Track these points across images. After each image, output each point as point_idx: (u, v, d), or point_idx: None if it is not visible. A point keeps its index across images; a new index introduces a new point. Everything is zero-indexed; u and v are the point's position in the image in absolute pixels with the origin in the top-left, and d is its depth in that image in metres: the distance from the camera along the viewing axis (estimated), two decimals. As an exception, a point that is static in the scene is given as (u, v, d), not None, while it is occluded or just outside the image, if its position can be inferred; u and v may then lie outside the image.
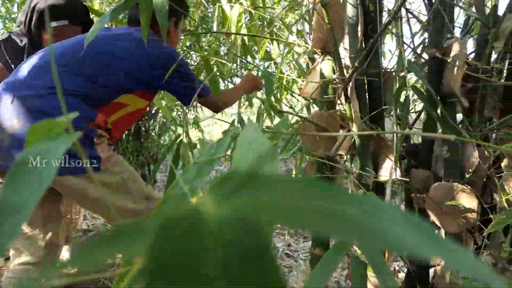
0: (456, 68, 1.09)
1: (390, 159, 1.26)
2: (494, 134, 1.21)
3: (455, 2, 1.19)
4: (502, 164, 1.23)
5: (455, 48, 1.13)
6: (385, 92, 1.48)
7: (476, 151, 1.20)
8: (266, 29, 1.87)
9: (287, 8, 1.80)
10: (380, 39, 1.24)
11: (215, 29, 1.80)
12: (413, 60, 1.51)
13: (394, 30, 1.66)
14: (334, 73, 1.29)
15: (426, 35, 1.37)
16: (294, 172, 1.60)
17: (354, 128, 1.28)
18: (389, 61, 1.47)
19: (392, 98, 1.19)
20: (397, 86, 1.22)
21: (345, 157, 1.38)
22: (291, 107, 1.86)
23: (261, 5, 1.79)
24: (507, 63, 1.11)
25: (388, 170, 1.27)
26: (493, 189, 1.25)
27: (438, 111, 1.25)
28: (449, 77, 1.14)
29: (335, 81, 1.22)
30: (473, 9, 1.26)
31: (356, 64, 1.12)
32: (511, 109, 1.25)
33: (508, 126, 1.18)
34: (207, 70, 1.44)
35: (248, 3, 1.72)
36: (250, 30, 1.80)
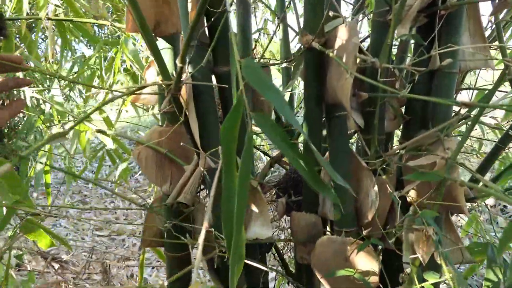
0: (342, 69, 0.69)
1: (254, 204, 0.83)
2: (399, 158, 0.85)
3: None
4: (409, 199, 0.88)
5: (342, 35, 0.72)
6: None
7: (375, 186, 0.83)
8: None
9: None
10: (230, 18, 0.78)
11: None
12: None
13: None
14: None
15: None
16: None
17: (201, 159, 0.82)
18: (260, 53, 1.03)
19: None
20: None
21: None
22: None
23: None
24: (411, 61, 0.73)
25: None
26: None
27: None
28: (334, 82, 0.73)
29: (163, 86, 0.74)
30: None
31: (184, 59, 0.64)
32: (418, 120, 0.90)
33: (415, 149, 0.82)
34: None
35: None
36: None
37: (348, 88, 0.67)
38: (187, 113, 0.76)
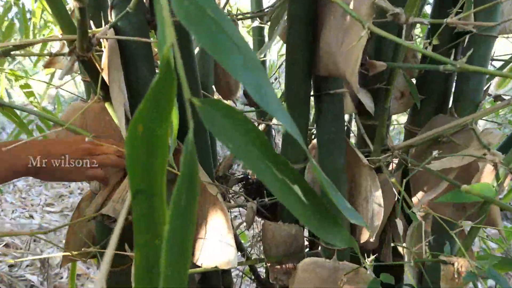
0: (347, 24, 0.44)
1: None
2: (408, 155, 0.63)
3: None
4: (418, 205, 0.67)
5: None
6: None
7: (379, 190, 0.62)
8: None
9: None
10: None
11: None
12: None
13: None
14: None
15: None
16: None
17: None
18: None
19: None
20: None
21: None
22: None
23: None
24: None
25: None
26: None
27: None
28: (333, 44, 0.49)
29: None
30: None
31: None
32: (433, 101, 0.67)
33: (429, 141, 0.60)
34: None
35: None
36: None
37: (358, 53, 0.43)
38: (109, 75, 0.50)
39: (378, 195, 0.62)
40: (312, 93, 0.59)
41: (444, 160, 0.52)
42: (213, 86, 0.91)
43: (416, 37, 0.78)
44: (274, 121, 0.92)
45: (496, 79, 0.82)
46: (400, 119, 1.75)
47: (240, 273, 1.10)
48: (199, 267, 0.59)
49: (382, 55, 0.58)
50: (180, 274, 0.20)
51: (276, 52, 1.48)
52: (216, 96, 0.93)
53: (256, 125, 0.93)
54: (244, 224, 0.73)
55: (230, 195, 0.86)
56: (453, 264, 0.47)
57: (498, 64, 0.82)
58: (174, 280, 0.20)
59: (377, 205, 0.61)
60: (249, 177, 0.85)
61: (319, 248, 0.73)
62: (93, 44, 0.42)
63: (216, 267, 0.56)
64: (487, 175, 0.48)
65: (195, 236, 0.62)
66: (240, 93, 0.98)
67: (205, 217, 0.59)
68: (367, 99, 0.55)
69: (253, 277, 1.05)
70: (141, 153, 0.21)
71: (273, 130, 1.11)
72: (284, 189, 0.26)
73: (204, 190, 0.57)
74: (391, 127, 1.12)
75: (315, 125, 0.62)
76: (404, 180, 0.49)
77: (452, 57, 0.64)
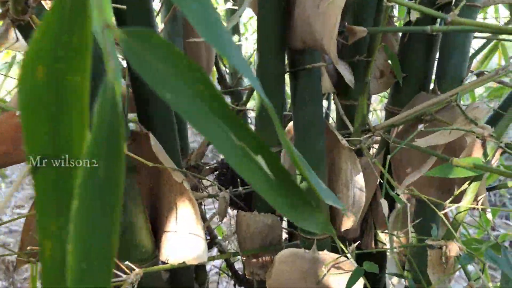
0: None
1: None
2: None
3: None
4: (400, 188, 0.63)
5: None
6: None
7: (360, 173, 0.57)
8: None
9: None
10: None
11: None
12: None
13: None
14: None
15: None
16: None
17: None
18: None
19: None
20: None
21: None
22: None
23: None
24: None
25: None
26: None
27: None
28: (308, 9, 0.44)
29: None
30: None
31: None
32: (415, 79, 0.64)
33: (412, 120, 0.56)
34: None
35: None
36: None
37: (336, 16, 0.38)
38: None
39: (359, 179, 0.57)
40: (287, 69, 0.54)
41: (429, 137, 0.48)
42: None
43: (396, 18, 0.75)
44: (250, 105, 0.87)
45: (478, 57, 0.80)
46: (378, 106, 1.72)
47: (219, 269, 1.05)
48: (167, 264, 0.54)
49: (362, 24, 0.54)
50: (99, 269, 0.15)
51: (252, 44, 1.42)
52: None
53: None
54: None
55: (203, 186, 0.81)
56: (440, 248, 0.43)
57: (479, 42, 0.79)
58: (90, 277, 0.15)
59: (358, 190, 0.57)
60: (224, 165, 0.79)
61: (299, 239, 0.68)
62: (30, 6, 0.36)
63: (184, 263, 0.51)
64: (476, 151, 0.44)
65: (161, 229, 0.56)
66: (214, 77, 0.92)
67: (171, 208, 0.53)
68: (346, 72, 0.51)
69: (230, 273, 1.00)
70: (43, 107, 0.15)
71: (249, 119, 1.06)
72: (244, 159, 0.21)
73: (169, 178, 0.52)
74: (370, 115, 1.09)
75: (291, 105, 0.57)
76: (388, 157, 0.45)
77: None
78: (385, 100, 0.93)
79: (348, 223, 0.56)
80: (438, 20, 0.52)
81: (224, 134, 0.20)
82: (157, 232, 0.57)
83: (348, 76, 0.51)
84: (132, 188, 0.52)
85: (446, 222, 0.41)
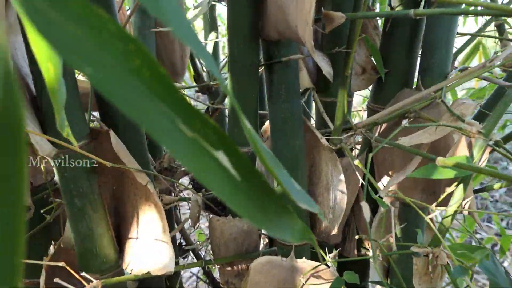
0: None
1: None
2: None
3: None
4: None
5: None
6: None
7: (341, 174, 0.54)
8: None
9: None
10: None
11: None
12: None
13: None
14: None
15: None
16: None
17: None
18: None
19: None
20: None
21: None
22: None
23: None
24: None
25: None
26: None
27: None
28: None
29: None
30: None
31: None
32: (398, 74, 0.60)
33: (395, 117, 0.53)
34: None
35: None
36: None
37: (310, 2, 0.34)
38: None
39: (340, 181, 0.54)
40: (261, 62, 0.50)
41: (413, 136, 0.45)
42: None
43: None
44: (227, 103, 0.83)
45: (462, 54, 0.77)
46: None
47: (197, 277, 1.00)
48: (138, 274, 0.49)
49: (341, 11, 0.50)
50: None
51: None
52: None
53: (207, 110, 0.83)
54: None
55: (178, 190, 0.76)
56: (427, 256, 0.40)
57: (461, 40, 0.77)
58: None
59: (339, 192, 0.53)
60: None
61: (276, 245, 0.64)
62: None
63: (148, 273, 0.46)
64: (463, 150, 0.41)
65: (125, 236, 0.51)
66: (187, 75, 0.87)
67: (136, 213, 0.48)
68: (324, 63, 0.47)
69: (207, 281, 0.95)
70: None
71: (226, 119, 1.01)
72: (198, 155, 0.16)
73: (134, 180, 0.47)
74: (353, 116, 1.06)
75: (267, 102, 0.53)
76: (370, 155, 0.41)
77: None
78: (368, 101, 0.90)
79: (334, 225, 0.52)
80: (422, 3, 0.49)
81: (170, 122, 0.16)
82: (121, 239, 0.52)
83: (326, 68, 0.47)
84: (91, 191, 0.47)
85: (433, 227, 0.38)
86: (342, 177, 0.54)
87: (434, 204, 0.39)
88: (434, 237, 0.40)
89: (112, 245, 0.50)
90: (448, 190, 0.39)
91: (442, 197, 0.39)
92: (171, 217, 0.83)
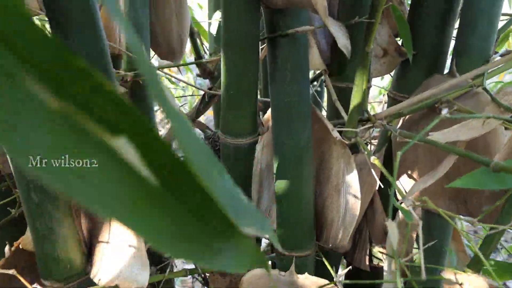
0: None
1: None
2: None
3: None
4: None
5: None
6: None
7: (355, 175, 0.45)
8: None
9: None
10: None
11: None
12: None
13: None
14: None
15: None
16: None
17: None
18: None
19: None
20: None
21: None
22: None
23: None
24: None
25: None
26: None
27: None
28: None
29: None
30: None
31: None
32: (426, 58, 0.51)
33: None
34: None
35: None
36: None
37: None
38: None
39: (353, 182, 0.45)
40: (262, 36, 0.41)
41: (449, 130, 0.36)
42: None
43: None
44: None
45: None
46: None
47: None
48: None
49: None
50: None
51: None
52: (155, 57, 0.75)
53: (204, 96, 0.74)
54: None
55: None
56: (461, 285, 0.31)
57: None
58: None
59: (352, 195, 0.45)
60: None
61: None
62: None
63: (116, 286, 0.38)
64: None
65: (95, 237, 0.44)
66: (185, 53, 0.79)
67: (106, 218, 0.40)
68: (340, 34, 0.38)
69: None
70: None
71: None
72: (67, 137, 0.08)
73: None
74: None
75: (269, 85, 0.44)
76: (398, 153, 0.32)
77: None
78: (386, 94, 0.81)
79: (343, 233, 0.43)
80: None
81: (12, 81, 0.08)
82: (93, 241, 0.44)
83: (342, 40, 0.38)
84: (52, 185, 0.39)
85: (475, 248, 0.29)
86: (355, 177, 0.45)
87: (476, 219, 0.30)
88: (474, 258, 0.31)
89: (79, 249, 0.42)
90: (497, 202, 0.30)
91: (486, 210, 0.30)
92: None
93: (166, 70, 0.80)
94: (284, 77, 0.41)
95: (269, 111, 0.52)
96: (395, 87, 0.54)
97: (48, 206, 0.39)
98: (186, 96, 1.10)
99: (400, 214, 0.55)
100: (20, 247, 0.44)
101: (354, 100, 0.43)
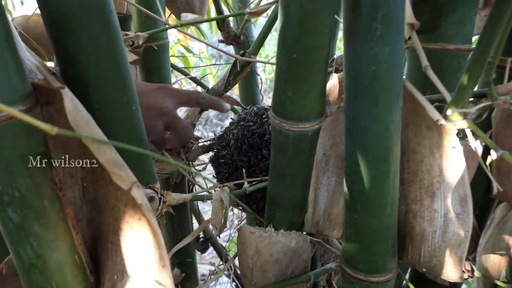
0: None
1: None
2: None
3: None
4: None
5: None
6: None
7: (462, 172, 0.32)
8: None
9: None
10: None
11: None
12: None
13: None
14: None
15: None
16: None
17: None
18: None
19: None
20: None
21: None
22: None
23: None
24: None
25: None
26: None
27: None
28: None
29: None
30: None
31: None
32: None
33: None
34: None
35: None
36: None
37: None
38: None
39: (459, 184, 0.32)
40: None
41: None
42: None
43: None
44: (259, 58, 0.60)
45: None
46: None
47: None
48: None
49: None
50: None
51: None
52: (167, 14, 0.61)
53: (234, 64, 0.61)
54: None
55: (194, 172, 0.56)
56: None
57: None
58: None
59: (457, 202, 0.32)
60: (223, 141, 0.54)
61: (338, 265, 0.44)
62: None
63: None
64: None
65: (103, 262, 0.32)
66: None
67: (119, 229, 0.28)
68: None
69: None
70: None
71: (259, 77, 0.79)
72: None
73: (111, 182, 0.27)
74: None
75: (344, 44, 0.31)
76: None
77: None
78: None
79: (446, 269, 0.31)
80: None
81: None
82: (99, 265, 0.33)
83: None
84: (38, 195, 0.27)
85: None
86: (463, 176, 0.32)
87: None
88: None
89: (82, 278, 0.30)
90: None
91: None
92: (185, 209, 0.64)
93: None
94: (370, 33, 0.28)
95: (330, 84, 0.39)
96: (502, 51, 0.40)
97: (34, 225, 0.27)
98: (206, 65, 0.97)
99: (497, 216, 0.43)
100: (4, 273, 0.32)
101: (473, 67, 0.29)
